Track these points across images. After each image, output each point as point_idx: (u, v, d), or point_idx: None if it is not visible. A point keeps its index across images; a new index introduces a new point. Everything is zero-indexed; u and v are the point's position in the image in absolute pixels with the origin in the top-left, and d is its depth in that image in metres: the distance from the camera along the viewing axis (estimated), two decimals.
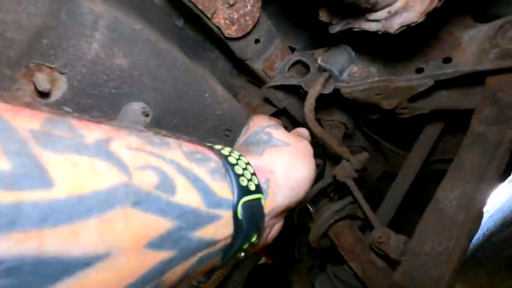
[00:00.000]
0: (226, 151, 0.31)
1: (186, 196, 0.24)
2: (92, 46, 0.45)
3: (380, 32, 0.48)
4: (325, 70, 0.73)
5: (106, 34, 0.46)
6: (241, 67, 0.96)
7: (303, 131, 0.50)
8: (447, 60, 0.63)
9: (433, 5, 0.41)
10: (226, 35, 0.67)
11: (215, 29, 0.68)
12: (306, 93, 0.80)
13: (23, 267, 0.15)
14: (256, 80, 0.96)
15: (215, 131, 0.72)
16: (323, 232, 0.87)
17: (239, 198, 0.28)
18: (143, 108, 0.55)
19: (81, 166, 0.18)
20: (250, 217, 0.28)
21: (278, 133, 0.41)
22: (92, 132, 0.21)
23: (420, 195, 1.14)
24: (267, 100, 0.99)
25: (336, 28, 0.55)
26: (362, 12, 0.47)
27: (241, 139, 0.44)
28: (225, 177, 0.28)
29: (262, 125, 0.43)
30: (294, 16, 0.86)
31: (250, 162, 0.32)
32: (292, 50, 0.87)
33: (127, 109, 0.54)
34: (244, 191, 0.29)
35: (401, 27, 0.44)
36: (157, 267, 0.21)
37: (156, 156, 0.24)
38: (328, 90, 0.71)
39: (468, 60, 0.60)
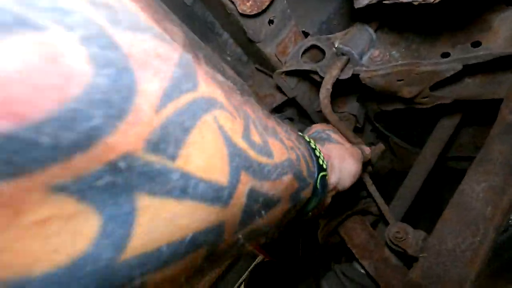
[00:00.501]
0: (307, 137, 0.42)
1: (303, 168, 0.32)
2: None
3: (416, 3, 0.44)
4: (343, 54, 0.68)
5: None
6: (251, 53, 0.92)
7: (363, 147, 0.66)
8: (477, 44, 0.59)
9: None
10: (240, 10, 0.63)
11: (229, 5, 0.63)
12: (320, 80, 0.76)
13: (265, 200, 0.25)
14: (267, 67, 0.92)
15: None
16: (334, 228, 0.83)
17: (319, 172, 0.38)
18: None
19: (279, 147, 0.29)
20: (323, 186, 0.39)
21: (335, 135, 0.55)
22: (269, 122, 0.29)
23: (433, 196, 1.11)
24: (277, 89, 0.95)
25: (364, 1, 0.50)
26: None
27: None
28: (311, 157, 0.38)
29: (323, 128, 0.58)
30: None
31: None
32: (306, 35, 0.82)
33: None
34: (321, 168, 0.39)
35: None
36: (289, 210, 0.30)
37: (291, 140, 0.33)
38: (347, 75, 0.67)
39: (500, 44, 0.56)
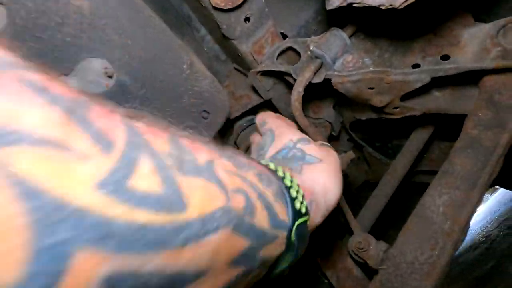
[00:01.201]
0: (280, 172, 0.33)
1: (260, 218, 0.26)
2: None
3: (383, 7, 0.43)
4: (317, 57, 0.67)
5: None
6: (228, 51, 0.90)
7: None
8: (445, 58, 0.59)
9: None
10: (213, 3, 0.60)
11: None
12: (295, 82, 0.75)
13: (160, 281, 0.17)
14: (243, 66, 0.90)
15: (191, 110, 0.64)
16: None
17: (294, 220, 0.30)
18: (106, 67, 0.47)
19: (204, 189, 0.21)
20: (300, 237, 0.31)
21: (309, 148, 0.43)
22: (200, 154, 0.23)
23: (402, 208, 1.11)
24: (253, 90, 0.93)
25: (334, 3, 0.49)
26: None
27: (269, 151, 0.45)
28: (282, 199, 0.31)
29: (292, 139, 0.45)
30: (294, 1, 0.81)
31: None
32: (284, 37, 0.81)
33: (84, 66, 0.46)
34: (298, 214, 0.31)
35: (407, 0, 0.39)
36: (231, 282, 0.23)
37: (241, 178, 0.26)
38: (319, 78, 0.66)
39: (468, 58, 0.56)
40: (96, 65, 0.47)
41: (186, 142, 0.23)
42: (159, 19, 0.52)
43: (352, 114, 0.92)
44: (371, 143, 1.22)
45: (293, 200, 0.31)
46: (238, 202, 0.24)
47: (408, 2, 0.40)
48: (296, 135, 0.45)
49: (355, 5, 0.48)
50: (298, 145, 0.43)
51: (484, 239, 2.11)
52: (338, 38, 0.65)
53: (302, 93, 0.67)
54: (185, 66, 0.57)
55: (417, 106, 0.70)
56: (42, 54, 0.42)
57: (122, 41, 0.47)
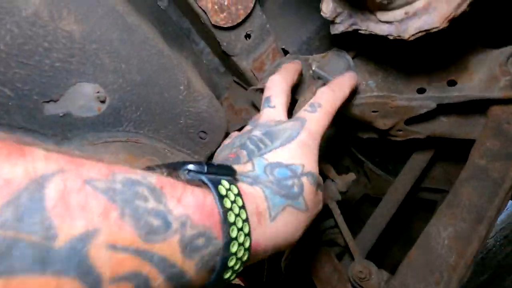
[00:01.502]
0: (239, 223, 0.26)
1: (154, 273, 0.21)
2: (30, 0, 0.34)
3: (391, 37, 0.41)
4: (319, 78, 0.65)
5: None
6: (228, 64, 0.88)
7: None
8: (452, 83, 0.57)
9: (461, 10, 0.34)
10: (212, 22, 0.58)
11: (201, 14, 0.59)
12: (295, 101, 0.72)
13: None
14: (243, 80, 0.88)
15: (188, 131, 0.62)
16: (298, 257, 0.78)
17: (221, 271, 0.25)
18: (98, 92, 0.45)
19: None
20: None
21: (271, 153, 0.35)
22: (70, 224, 0.18)
23: (404, 225, 1.09)
24: (252, 104, 0.91)
25: (339, 28, 0.47)
26: (375, 9, 0.40)
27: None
28: (211, 271, 0.25)
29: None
30: (292, 15, 0.79)
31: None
32: (285, 53, 0.79)
33: (75, 91, 0.43)
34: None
35: (418, 33, 0.37)
36: None
37: (144, 256, 0.21)
38: None
39: (476, 86, 0.54)
40: (87, 90, 0.44)
41: (48, 205, 0.18)
42: (156, 38, 0.50)
43: (353, 131, 0.90)
44: (371, 158, 1.20)
45: (223, 269, 0.25)
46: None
47: (418, 35, 0.38)
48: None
49: (361, 31, 0.46)
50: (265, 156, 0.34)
51: None
52: (341, 59, 0.63)
53: None
54: (182, 87, 0.55)
55: (422, 130, 0.68)
56: (29, 80, 0.39)
57: (115, 64, 0.44)
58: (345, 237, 0.72)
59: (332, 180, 0.76)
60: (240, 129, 1.01)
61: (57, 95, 0.42)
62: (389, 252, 1.26)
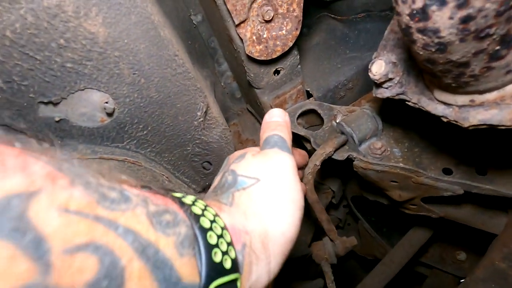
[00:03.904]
0: (198, 207, 0.24)
1: None
2: None
3: (445, 120, 0.37)
4: (343, 133, 0.61)
5: None
6: (246, 93, 0.83)
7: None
8: (482, 172, 0.53)
9: None
10: (247, 51, 0.54)
11: (237, 41, 0.54)
12: (310, 148, 0.68)
13: None
14: (258, 112, 0.83)
15: (192, 159, 0.55)
16: None
17: (210, 279, 0.21)
18: (106, 102, 0.39)
19: None
20: None
21: (241, 166, 0.32)
22: (5, 182, 0.15)
23: None
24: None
25: (385, 94, 0.43)
26: (435, 87, 0.36)
27: (214, 182, 0.35)
28: (191, 249, 0.22)
29: (229, 161, 0.35)
30: (325, 62, 0.76)
31: (224, 222, 0.25)
32: (308, 95, 0.76)
33: (80, 97, 0.37)
34: (217, 270, 0.22)
35: (481, 125, 0.33)
36: None
37: (106, 223, 0.17)
38: (340, 157, 0.59)
39: (509, 182, 0.51)
40: (95, 98, 0.38)
41: None
42: (184, 56, 0.45)
43: (359, 191, 0.86)
44: (367, 216, 1.15)
45: (210, 249, 0.22)
46: (77, 270, 0.15)
47: (479, 127, 0.34)
48: (236, 154, 0.34)
49: (408, 103, 0.42)
50: (231, 167, 0.32)
51: None
52: (370, 120, 0.59)
53: (319, 167, 0.59)
54: (199, 113, 0.49)
55: (437, 210, 0.63)
56: (29, 76, 0.33)
57: (135, 77, 0.39)
58: None
59: (331, 240, 0.70)
60: None
61: (58, 97, 0.36)
62: None
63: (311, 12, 0.84)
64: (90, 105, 0.38)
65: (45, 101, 0.35)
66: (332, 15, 0.82)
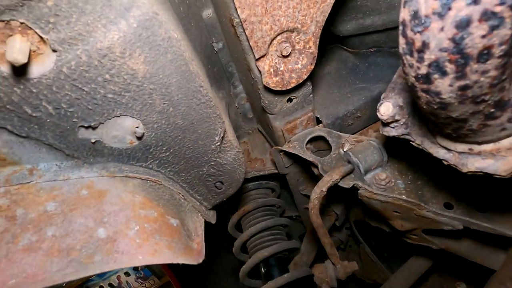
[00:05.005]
0: None
1: None
2: (109, 35, 0.33)
3: (445, 163, 0.40)
4: (349, 162, 0.64)
5: (135, 28, 0.35)
6: (258, 115, 0.88)
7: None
8: (482, 209, 0.56)
9: None
10: (264, 82, 0.58)
11: (255, 72, 0.59)
12: (317, 174, 0.71)
13: None
14: (269, 135, 0.87)
15: (207, 179, 0.59)
16: None
17: None
18: (137, 127, 0.43)
19: None
20: None
21: None
22: None
23: None
24: (271, 160, 0.89)
25: (391, 132, 0.47)
26: (437, 134, 0.40)
27: None
28: None
29: None
30: (335, 92, 0.80)
31: None
32: (318, 122, 0.79)
33: (116, 122, 0.41)
34: None
35: (477, 172, 0.36)
36: None
37: None
38: (346, 185, 0.62)
39: (507, 223, 0.53)
40: (128, 124, 0.42)
41: None
42: (208, 87, 0.49)
43: (362, 216, 0.88)
44: (368, 240, 1.16)
45: None
46: None
47: (475, 173, 0.37)
48: None
49: (412, 143, 0.46)
50: None
51: None
52: (376, 151, 0.62)
53: (325, 193, 0.62)
54: (217, 138, 0.53)
55: (438, 242, 0.65)
56: (75, 104, 0.37)
57: (164, 106, 0.43)
58: None
59: (333, 264, 0.72)
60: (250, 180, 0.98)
61: (97, 122, 0.40)
62: None
63: (324, 43, 0.89)
64: (122, 129, 0.42)
65: (86, 125, 0.39)
66: (344, 47, 0.87)
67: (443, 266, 0.96)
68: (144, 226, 0.41)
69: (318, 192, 0.63)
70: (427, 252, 0.85)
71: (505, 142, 0.34)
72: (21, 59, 0.29)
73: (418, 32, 0.26)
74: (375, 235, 1.16)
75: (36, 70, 0.33)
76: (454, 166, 0.39)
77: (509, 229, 0.52)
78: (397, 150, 0.65)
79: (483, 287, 0.59)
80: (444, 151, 0.40)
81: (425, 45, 0.26)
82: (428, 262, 0.86)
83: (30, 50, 0.31)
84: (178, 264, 0.44)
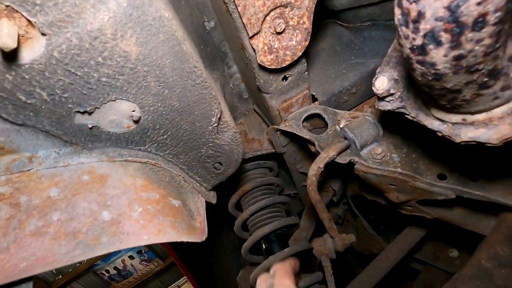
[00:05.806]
0: None
1: None
2: (98, 16, 0.33)
3: (439, 134, 0.41)
4: (345, 138, 0.65)
5: (125, 8, 0.34)
6: (253, 95, 0.87)
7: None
8: (474, 178, 0.57)
9: None
10: (258, 61, 0.58)
11: (249, 50, 0.58)
12: (314, 151, 0.72)
13: None
14: (264, 113, 0.87)
15: (206, 160, 0.60)
16: None
17: None
18: (133, 110, 0.43)
19: None
20: None
21: None
22: None
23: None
24: (268, 140, 0.90)
25: (386, 106, 0.47)
26: (432, 106, 0.40)
27: None
28: None
29: None
30: (330, 68, 0.80)
31: None
32: (313, 99, 0.79)
33: (112, 106, 0.41)
34: None
35: (470, 141, 0.37)
36: None
37: None
38: (343, 160, 0.63)
39: (498, 190, 0.55)
40: (124, 107, 0.42)
41: None
42: (202, 67, 0.49)
43: (359, 190, 0.90)
44: (365, 213, 1.20)
45: None
46: None
47: (469, 143, 0.38)
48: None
49: (407, 116, 0.46)
50: None
51: None
52: (372, 126, 0.63)
53: (322, 169, 0.63)
54: (213, 119, 0.53)
55: (431, 211, 0.68)
56: (70, 89, 0.37)
57: (160, 89, 0.43)
58: None
59: (331, 237, 0.75)
60: (248, 160, 0.99)
61: (93, 107, 0.40)
62: None
63: (318, 18, 0.87)
64: (119, 113, 0.42)
65: (81, 110, 0.39)
66: (339, 22, 0.85)
67: (436, 235, 1.00)
68: (147, 208, 0.42)
69: (315, 168, 0.64)
70: (421, 222, 0.88)
71: (497, 111, 0.35)
72: (11, 43, 0.28)
73: (414, 1, 0.26)
74: (372, 209, 1.19)
75: (26, 55, 0.32)
76: (448, 137, 0.40)
77: (500, 196, 0.54)
78: (392, 125, 0.66)
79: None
80: (439, 123, 0.41)
81: (420, 15, 0.26)
82: (422, 231, 0.89)
83: (19, 35, 0.30)
84: (181, 245, 0.46)
